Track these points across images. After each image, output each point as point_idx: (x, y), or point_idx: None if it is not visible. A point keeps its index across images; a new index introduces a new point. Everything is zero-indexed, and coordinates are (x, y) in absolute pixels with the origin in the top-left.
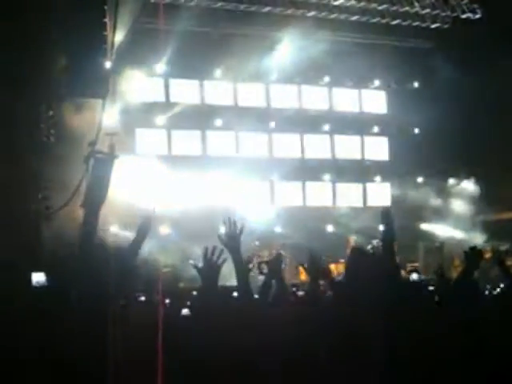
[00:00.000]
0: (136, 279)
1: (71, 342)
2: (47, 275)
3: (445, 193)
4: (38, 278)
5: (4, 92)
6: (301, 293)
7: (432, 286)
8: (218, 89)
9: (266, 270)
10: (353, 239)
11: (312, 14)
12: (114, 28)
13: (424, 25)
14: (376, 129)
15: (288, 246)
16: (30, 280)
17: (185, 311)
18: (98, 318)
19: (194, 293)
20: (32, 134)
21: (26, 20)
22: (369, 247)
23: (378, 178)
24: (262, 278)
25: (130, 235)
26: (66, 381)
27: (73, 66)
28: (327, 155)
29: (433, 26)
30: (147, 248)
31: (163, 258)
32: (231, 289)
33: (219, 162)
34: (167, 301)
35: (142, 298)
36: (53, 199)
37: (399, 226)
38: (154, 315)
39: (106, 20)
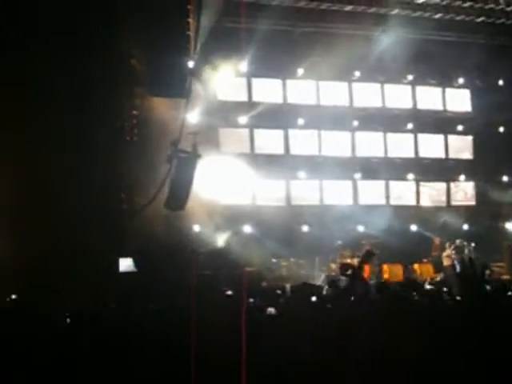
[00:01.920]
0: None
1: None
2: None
3: None
4: (126, 262)
5: (88, 92)
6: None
7: None
8: (300, 88)
9: (349, 272)
10: (438, 240)
11: (395, 11)
12: (197, 28)
13: (509, 22)
14: (460, 127)
15: (371, 245)
16: (117, 266)
17: (270, 310)
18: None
19: (278, 291)
20: (116, 133)
21: (110, 20)
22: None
23: (462, 177)
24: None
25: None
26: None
27: (156, 65)
28: (411, 154)
29: None
30: (232, 247)
31: (247, 257)
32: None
33: (302, 161)
34: (251, 300)
35: (229, 292)
36: (137, 198)
37: (483, 225)
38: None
39: (190, 20)
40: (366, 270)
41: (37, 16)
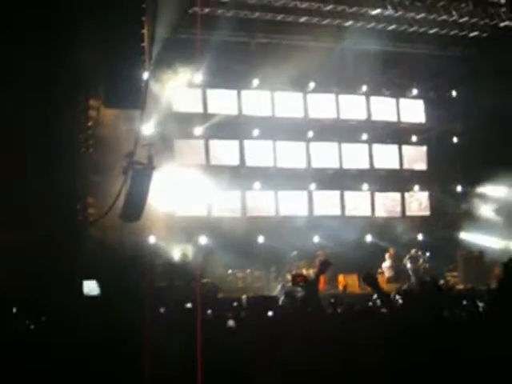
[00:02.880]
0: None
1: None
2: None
3: (484, 201)
4: (90, 286)
5: (42, 103)
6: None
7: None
8: (255, 99)
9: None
10: (393, 250)
11: (349, 23)
12: (152, 39)
13: (462, 33)
14: (414, 138)
15: (326, 255)
16: (81, 288)
17: (230, 323)
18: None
19: (235, 304)
20: (71, 144)
21: (63, 32)
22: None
23: (416, 187)
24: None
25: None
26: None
27: (110, 76)
28: (366, 165)
29: (471, 35)
30: (188, 259)
31: (203, 269)
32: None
33: (258, 172)
34: (209, 311)
35: (188, 305)
36: (92, 209)
37: (438, 235)
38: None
39: (144, 31)
40: (322, 281)
41: None
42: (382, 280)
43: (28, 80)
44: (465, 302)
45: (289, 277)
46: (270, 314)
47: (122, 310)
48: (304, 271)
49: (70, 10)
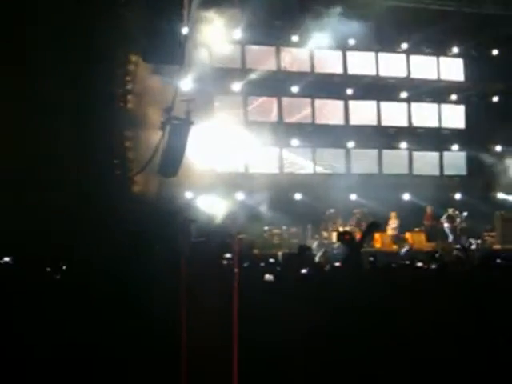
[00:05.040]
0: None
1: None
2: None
3: None
4: None
5: (81, 59)
6: None
7: None
8: (294, 55)
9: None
10: (430, 209)
11: None
12: None
13: None
14: (453, 96)
15: (363, 213)
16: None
17: (269, 276)
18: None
19: (271, 260)
20: (109, 99)
21: None
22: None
23: (455, 147)
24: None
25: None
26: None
27: (150, 31)
28: (404, 123)
29: None
30: (223, 215)
31: (239, 225)
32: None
33: (295, 129)
34: (245, 264)
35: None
36: (130, 164)
37: (475, 195)
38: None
39: None
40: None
41: None
42: (419, 238)
43: (68, 34)
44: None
45: (325, 234)
46: (305, 270)
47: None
48: (341, 229)
49: None
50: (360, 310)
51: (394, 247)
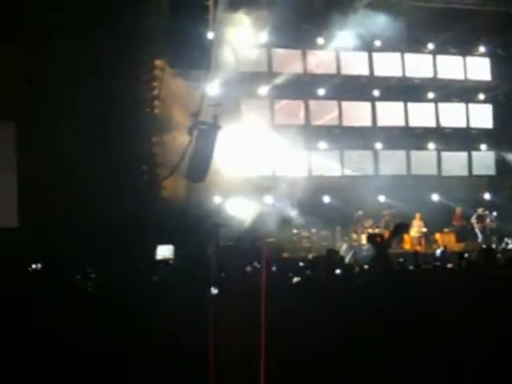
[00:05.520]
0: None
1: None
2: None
3: None
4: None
5: (108, 66)
6: None
7: None
8: (320, 58)
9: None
10: (459, 210)
11: None
12: None
13: None
14: (481, 96)
15: (392, 215)
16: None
17: (297, 279)
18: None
19: (301, 264)
20: (136, 104)
21: None
22: None
23: (483, 147)
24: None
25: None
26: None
27: (176, 36)
28: (432, 123)
29: None
30: (251, 219)
31: (268, 229)
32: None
33: (322, 132)
34: (273, 268)
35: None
36: (159, 170)
37: (505, 194)
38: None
39: None
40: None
41: None
42: (449, 239)
43: (94, 39)
44: None
45: (354, 236)
46: (337, 272)
47: (189, 270)
48: (370, 231)
49: None
50: (389, 312)
51: (418, 248)
